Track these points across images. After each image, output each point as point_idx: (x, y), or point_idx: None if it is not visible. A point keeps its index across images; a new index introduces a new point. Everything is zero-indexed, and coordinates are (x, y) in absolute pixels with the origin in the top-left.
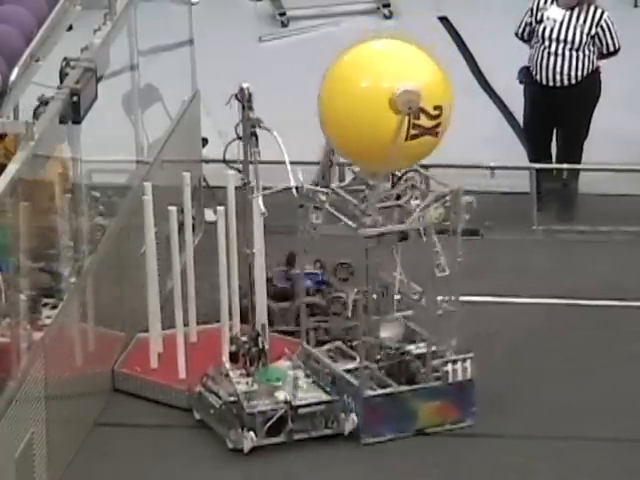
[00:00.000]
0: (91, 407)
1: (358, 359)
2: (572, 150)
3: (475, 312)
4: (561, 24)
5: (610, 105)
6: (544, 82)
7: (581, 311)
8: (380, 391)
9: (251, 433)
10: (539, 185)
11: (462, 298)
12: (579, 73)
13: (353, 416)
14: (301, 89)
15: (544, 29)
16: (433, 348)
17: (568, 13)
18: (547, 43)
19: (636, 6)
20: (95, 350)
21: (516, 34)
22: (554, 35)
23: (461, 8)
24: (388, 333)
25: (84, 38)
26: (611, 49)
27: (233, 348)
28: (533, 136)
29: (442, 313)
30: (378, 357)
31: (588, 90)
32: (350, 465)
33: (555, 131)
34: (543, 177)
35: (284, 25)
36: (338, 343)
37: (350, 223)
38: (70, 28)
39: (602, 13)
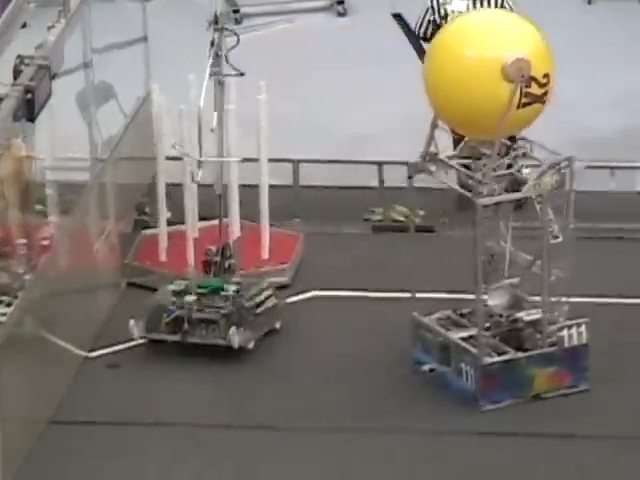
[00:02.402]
0: (47, 404)
1: (474, 327)
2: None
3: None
4: None
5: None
6: None
7: None
8: (498, 358)
9: (140, 323)
10: None
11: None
12: None
13: (237, 330)
14: (253, 85)
15: None
16: (547, 315)
17: (471, 3)
18: None
19: (590, 3)
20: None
21: (417, 34)
22: None
23: (415, 5)
24: (496, 301)
25: (38, 35)
26: None
27: (205, 258)
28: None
29: (555, 279)
30: (487, 325)
31: None
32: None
33: None
34: None
35: (238, 22)
36: (447, 312)
37: (466, 193)
38: (24, 25)
39: None
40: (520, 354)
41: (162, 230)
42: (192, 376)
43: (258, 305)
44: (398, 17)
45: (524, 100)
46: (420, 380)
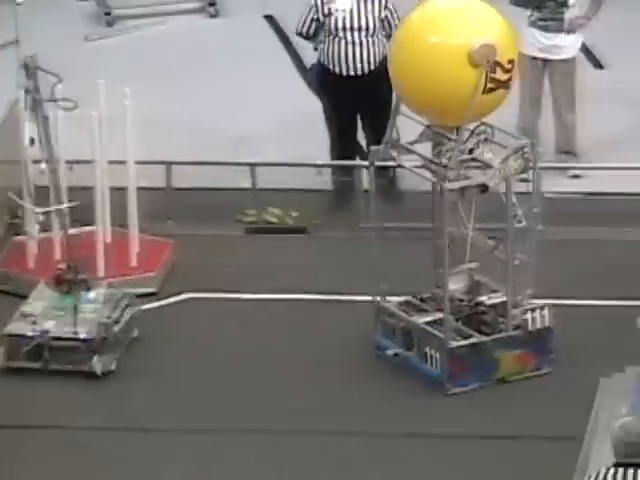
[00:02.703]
0: None
1: (436, 311)
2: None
3: (303, 310)
4: (352, 13)
5: None
6: (344, 73)
7: None
8: (464, 342)
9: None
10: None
11: (288, 296)
12: (377, 58)
13: (99, 357)
14: (126, 86)
15: (336, 20)
16: (505, 298)
17: (355, 1)
18: (342, 34)
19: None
20: None
21: (300, 33)
22: (347, 24)
23: (287, 6)
24: (454, 285)
25: None
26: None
27: (58, 273)
28: (340, 131)
29: (519, 263)
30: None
31: (385, 75)
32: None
33: (361, 122)
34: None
35: (110, 25)
36: (409, 297)
37: (430, 178)
38: None
39: None
40: (486, 337)
41: (30, 235)
42: (62, 380)
43: (116, 322)
44: (270, 18)
45: (489, 85)
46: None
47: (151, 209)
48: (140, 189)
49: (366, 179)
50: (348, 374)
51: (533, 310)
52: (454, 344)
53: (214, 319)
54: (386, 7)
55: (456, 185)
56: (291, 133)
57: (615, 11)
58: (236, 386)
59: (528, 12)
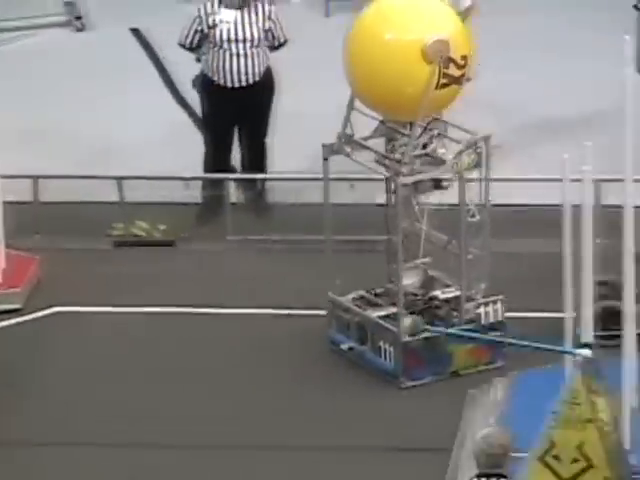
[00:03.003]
0: None
1: (389, 306)
2: (261, 149)
3: (169, 323)
4: (236, 24)
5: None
6: (229, 84)
7: (275, 320)
8: (417, 336)
9: None
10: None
11: (156, 309)
12: (261, 69)
13: None
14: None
15: (220, 32)
16: (459, 292)
17: (239, 13)
18: (226, 45)
19: (327, 15)
20: None
21: (182, 45)
22: (232, 36)
23: (153, 19)
24: (408, 280)
25: None
26: (282, 41)
27: None
28: (217, 144)
29: (472, 258)
30: (415, 303)
31: (269, 85)
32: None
33: (238, 133)
34: (237, 185)
35: None
36: (362, 292)
37: (384, 172)
38: None
39: (270, 7)
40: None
41: None
42: None
43: None
44: (136, 31)
45: (442, 81)
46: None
47: (18, 223)
48: (6, 203)
49: (233, 192)
50: (220, 383)
51: (486, 304)
52: (407, 338)
53: (81, 332)
54: (270, 18)
55: (410, 180)
56: (159, 146)
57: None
58: (109, 399)
59: None
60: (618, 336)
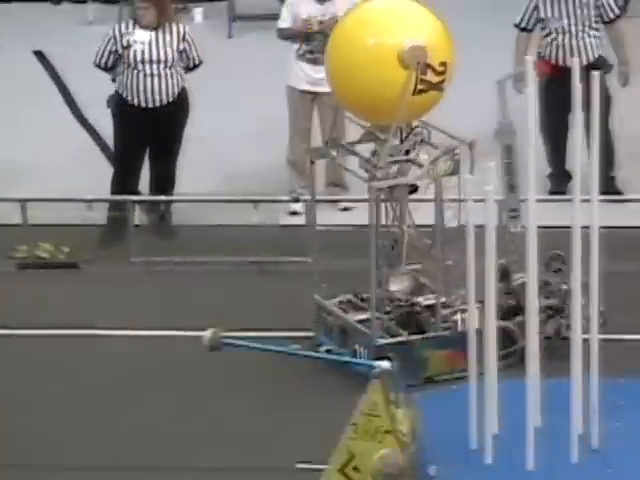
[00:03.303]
0: None
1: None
2: (171, 170)
3: (74, 345)
4: (150, 45)
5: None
6: (142, 105)
7: (182, 342)
8: (390, 340)
9: None
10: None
11: (61, 332)
12: (175, 90)
13: None
14: None
15: (134, 53)
16: (442, 299)
17: (154, 34)
18: (140, 66)
19: (230, 37)
20: None
21: (98, 64)
22: (146, 57)
23: (58, 43)
24: (397, 286)
25: None
26: (196, 62)
27: None
28: (127, 162)
29: (450, 264)
30: (388, 309)
31: (183, 106)
32: None
33: (149, 155)
34: (138, 207)
35: None
36: (349, 296)
37: (361, 176)
38: None
39: (185, 28)
40: (413, 336)
41: None
42: None
43: None
44: (39, 55)
45: (420, 87)
46: None
47: None
48: None
49: (138, 214)
50: (134, 403)
51: (464, 311)
52: (381, 341)
53: None
54: (184, 39)
55: (383, 184)
56: (62, 168)
57: None
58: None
59: (296, 46)
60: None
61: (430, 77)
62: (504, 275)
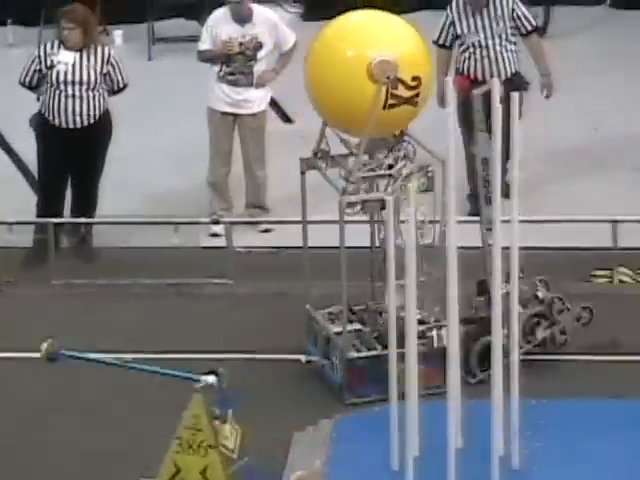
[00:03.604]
0: None
1: (357, 322)
2: (93, 192)
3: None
4: (74, 66)
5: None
6: (63, 125)
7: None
8: (363, 353)
9: None
10: (57, 238)
11: None
12: (97, 112)
13: None
14: None
15: (57, 73)
16: (418, 315)
17: (78, 55)
18: (62, 87)
19: (150, 59)
20: None
21: (22, 83)
22: (69, 78)
23: None
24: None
25: None
26: (121, 85)
27: None
28: (49, 185)
29: (425, 280)
30: (382, 322)
31: (105, 129)
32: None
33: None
34: (60, 230)
35: None
36: (341, 307)
37: (336, 189)
38: None
39: (110, 51)
40: (386, 351)
41: None
42: None
43: None
44: None
45: (390, 101)
46: None
47: None
48: None
49: (60, 237)
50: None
51: (440, 327)
52: (353, 355)
53: None
54: (109, 62)
55: (352, 199)
56: None
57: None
58: None
59: (216, 67)
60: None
61: (401, 92)
62: (485, 288)
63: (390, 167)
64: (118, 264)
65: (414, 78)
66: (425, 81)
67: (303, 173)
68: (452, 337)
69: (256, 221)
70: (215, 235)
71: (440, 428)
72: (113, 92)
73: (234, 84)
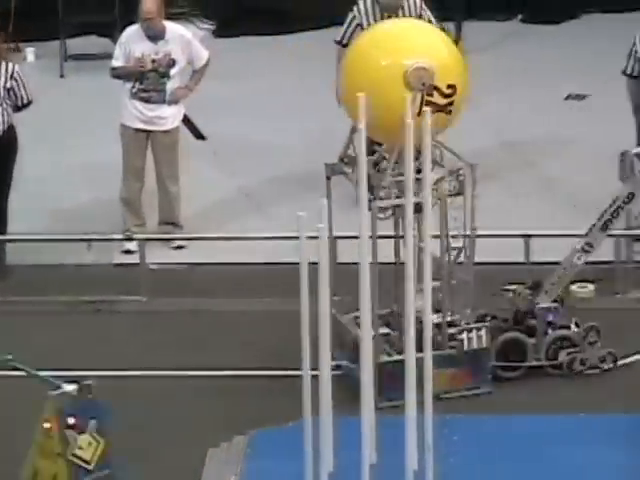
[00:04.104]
0: None
1: (384, 326)
2: (2, 207)
3: None
4: None
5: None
6: None
7: (18, 382)
8: (392, 357)
9: None
10: None
11: None
12: (1, 127)
13: None
14: None
15: None
16: (449, 317)
17: None
18: None
19: (62, 76)
20: None
21: None
22: None
23: None
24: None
25: None
26: (25, 101)
27: None
28: None
29: (456, 282)
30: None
31: (10, 143)
32: None
33: None
34: None
35: None
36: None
37: (367, 195)
38: None
39: (14, 66)
40: (419, 354)
41: None
42: None
43: None
44: None
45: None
46: None
47: None
48: None
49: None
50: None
51: (469, 330)
52: (384, 358)
53: None
54: (12, 77)
55: (384, 203)
56: None
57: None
58: None
59: (129, 84)
60: (518, 367)
61: (437, 99)
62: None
63: (419, 172)
64: (31, 281)
65: (449, 86)
66: (460, 89)
67: (329, 178)
68: (365, 351)
69: (170, 237)
70: (128, 252)
71: (354, 443)
72: (17, 108)
73: (147, 101)
